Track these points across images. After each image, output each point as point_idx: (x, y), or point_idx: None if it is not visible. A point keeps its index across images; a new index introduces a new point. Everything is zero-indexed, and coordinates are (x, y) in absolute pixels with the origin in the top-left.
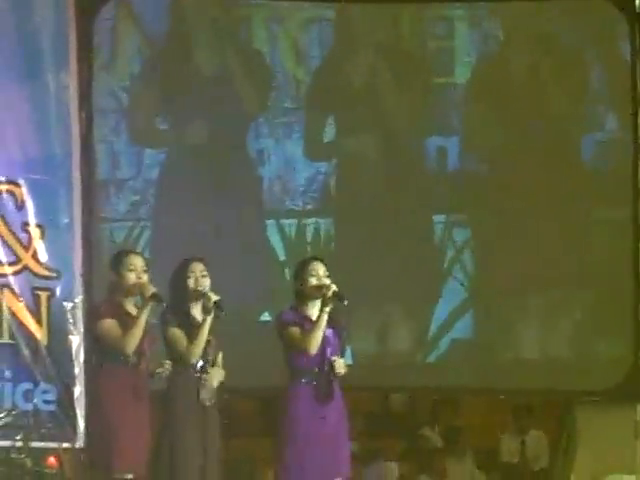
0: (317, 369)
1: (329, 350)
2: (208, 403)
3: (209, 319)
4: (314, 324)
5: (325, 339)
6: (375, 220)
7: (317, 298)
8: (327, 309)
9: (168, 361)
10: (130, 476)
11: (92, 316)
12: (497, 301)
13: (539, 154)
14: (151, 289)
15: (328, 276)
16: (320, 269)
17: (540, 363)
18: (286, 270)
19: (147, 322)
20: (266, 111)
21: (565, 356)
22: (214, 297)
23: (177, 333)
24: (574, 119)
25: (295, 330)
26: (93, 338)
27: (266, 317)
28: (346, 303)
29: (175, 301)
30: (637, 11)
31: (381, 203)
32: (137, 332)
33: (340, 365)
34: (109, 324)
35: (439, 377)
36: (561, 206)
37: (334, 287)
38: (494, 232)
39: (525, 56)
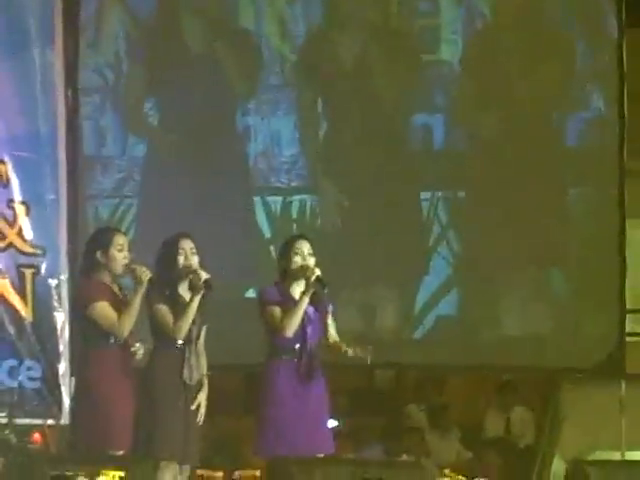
0: (298, 347)
1: (310, 328)
2: (190, 381)
3: (197, 297)
4: (293, 307)
5: (306, 318)
6: (361, 197)
7: (300, 279)
8: (308, 293)
9: (138, 344)
10: (121, 452)
11: (82, 299)
12: (482, 278)
13: (524, 133)
14: (146, 271)
15: (312, 254)
16: (305, 247)
17: (525, 340)
18: (271, 247)
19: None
20: (253, 89)
21: (550, 333)
22: (204, 275)
23: (164, 310)
24: (560, 98)
25: (274, 310)
26: (84, 320)
27: (251, 294)
28: (326, 291)
29: (163, 277)
30: None
31: (367, 180)
32: (133, 314)
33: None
34: (102, 307)
35: (424, 354)
36: (546, 184)
37: (318, 272)
38: (479, 210)
39: (511, 33)
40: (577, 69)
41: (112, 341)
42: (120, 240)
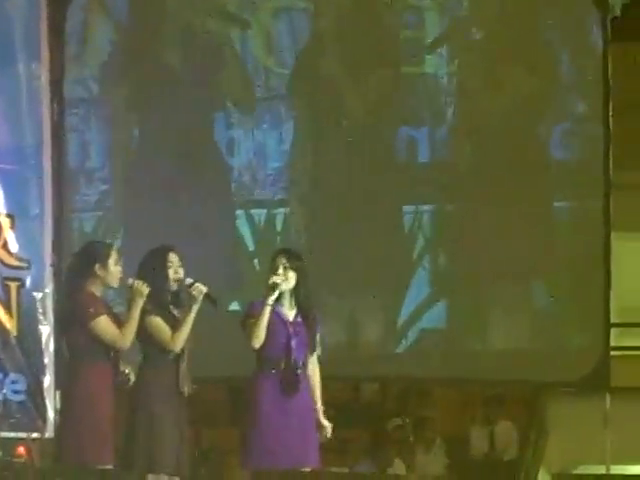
0: (282, 360)
1: (294, 341)
2: (187, 391)
3: (195, 309)
4: (257, 319)
5: (292, 331)
6: (344, 210)
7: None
8: (268, 301)
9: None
10: (110, 466)
11: (83, 313)
12: (466, 291)
13: (508, 145)
14: (144, 284)
15: (288, 268)
16: (280, 262)
17: (509, 353)
18: (255, 260)
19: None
20: (236, 101)
21: (534, 347)
22: (204, 288)
23: (159, 322)
24: (545, 110)
25: (249, 322)
26: (81, 334)
27: (235, 307)
28: (304, 297)
29: (155, 291)
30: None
31: (351, 193)
32: (134, 326)
33: (312, 365)
34: (105, 322)
35: (409, 367)
36: (530, 197)
37: (275, 279)
38: (464, 223)
39: (496, 46)
40: (562, 82)
41: (112, 354)
42: (115, 254)
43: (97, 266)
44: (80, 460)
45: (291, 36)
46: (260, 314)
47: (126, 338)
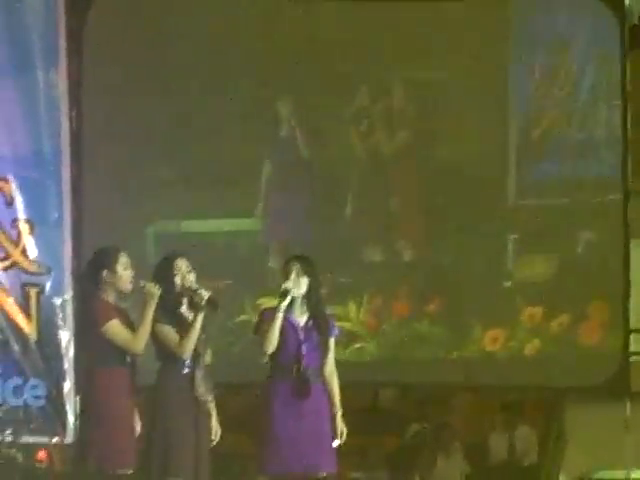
0: (293, 366)
1: (305, 347)
2: (203, 398)
3: (201, 316)
4: (269, 326)
5: (302, 336)
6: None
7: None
8: (281, 307)
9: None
10: (130, 471)
11: (95, 319)
12: None
13: None
14: (156, 286)
15: (301, 274)
16: (293, 268)
17: (529, 359)
18: None
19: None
20: None
21: (554, 352)
22: (206, 294)
23: (168, 330)
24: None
25: (262, 328)
26: (95, 339)
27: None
28: (315, 301)
29: (162, 298)
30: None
31: None
32: (147, 329)
33: (329, 368)
34: (116, 326)
35: (428, 373)
36: None
37: (285, 285)
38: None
39: None
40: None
41: (128, 359)
42: (124, 259)
43: (105, 272)
44: (100, 465)
45: None
46: (272, 320)
47: (139, 341)
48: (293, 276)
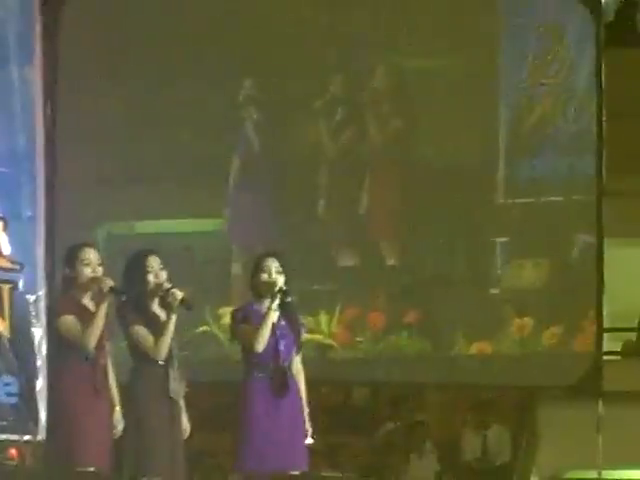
0: (271, 363)
1: (283, 344)
2: (176, 397)
3: (174, 316)
4: (261, 322)
5: (279, 334)
6: None
7: (266, 295)
8: (273, 306)
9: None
10: (92, 469)
11: (51, 313)
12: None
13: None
14: (108, 282)
15: (281, 272)
16: (273, 265)
17: (502, 359)
18: None
19: (106, 316)
20: None
21: (527, 352)
22: (179, 294)
23: (141, 331)
24: None
25: (243, 327)
26: (54, 335)
27: None
28: (290, 299)
29: (134, 297)
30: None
31: None
32: (97, 327)
33: (296, 366)
34: (68, 320)
35: (401, 372)
36: None
37: (281, 283)
38: None
39: None
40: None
41: (89, 357)
42: (87, 254)
43: (66, 269)
44: (65, 462)
45: None
46: (250, 318)
47: (88, 339)
48: (274, 273)
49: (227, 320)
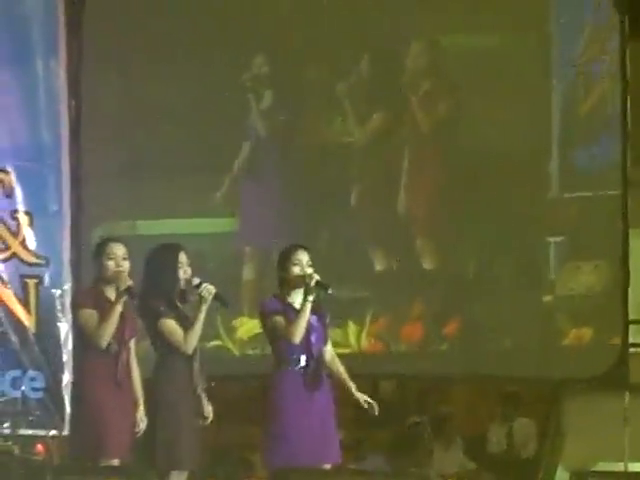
0: (304, 356)
1: (314, 336)
2: (199, 389)
3: (204, 309)
4: (298, 313)
5: (309, 326)
6: None
7: (300, 287)
8: (310, 298)
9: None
10: (116, 462)
11: (74, 305)
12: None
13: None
14: (127, 281)
15: (311, 265)
16: (304, 258)
17: (528, 350)
18: None
19: (125, 311)
20: None
21: (553, 343)
22: (212, 289)
23: (172, 324)
24: None
25: (279, 319)
26: (76, 327)
27: None
28: (330, 291)
29: (164, 291)
30: None
31: None
32: (111, 322)
33: (328, 353)
34: (87, 314)
35: (427, 365)
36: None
37: (317, 276)
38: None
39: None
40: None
41: (112, 350)
42: (113, 249)
43: (96, 262)
44: (91, 455)
45: None
46: (285, 311)
47: (101, 334)
48: (306, 266)
49: (241, 333)
